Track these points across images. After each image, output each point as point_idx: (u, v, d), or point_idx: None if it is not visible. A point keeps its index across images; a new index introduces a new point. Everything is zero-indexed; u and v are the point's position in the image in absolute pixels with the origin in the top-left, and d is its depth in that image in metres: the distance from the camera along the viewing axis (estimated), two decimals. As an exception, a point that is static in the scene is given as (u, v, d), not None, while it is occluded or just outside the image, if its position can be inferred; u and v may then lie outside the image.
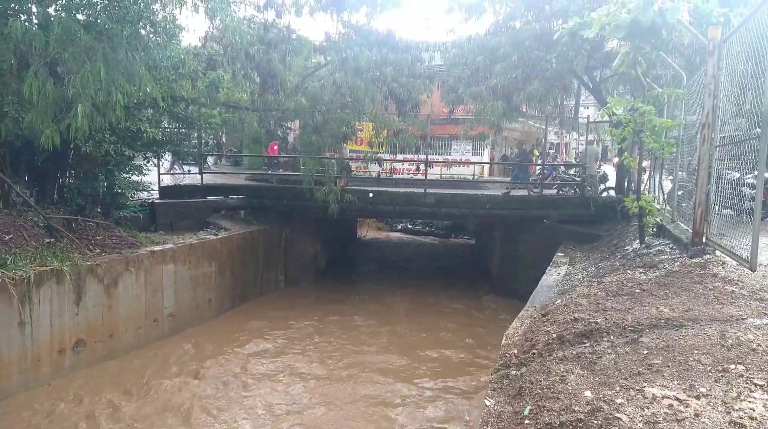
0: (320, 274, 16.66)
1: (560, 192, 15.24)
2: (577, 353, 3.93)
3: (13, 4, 8.79)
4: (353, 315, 12.69)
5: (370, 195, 14.53)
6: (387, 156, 20.06)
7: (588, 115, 20.79)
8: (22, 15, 8.78)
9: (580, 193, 14.04)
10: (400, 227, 26.86)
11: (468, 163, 27.53)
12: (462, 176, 24.01)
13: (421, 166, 19.37)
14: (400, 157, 21.12)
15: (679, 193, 8.23)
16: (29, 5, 8.98)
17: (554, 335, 4.60)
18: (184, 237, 11.43)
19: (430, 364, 9.89)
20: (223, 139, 24.68)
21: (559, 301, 6.10)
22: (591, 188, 14.07)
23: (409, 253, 21.94)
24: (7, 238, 8.16)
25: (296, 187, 14.66)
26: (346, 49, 13.85)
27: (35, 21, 8.83)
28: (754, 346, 3.36)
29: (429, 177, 16.51)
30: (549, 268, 9.34)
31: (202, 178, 14.56)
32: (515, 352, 4.78)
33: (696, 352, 3.42)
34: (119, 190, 11.04)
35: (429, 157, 17.37)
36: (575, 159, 27.74)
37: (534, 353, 4.43)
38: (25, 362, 7.70)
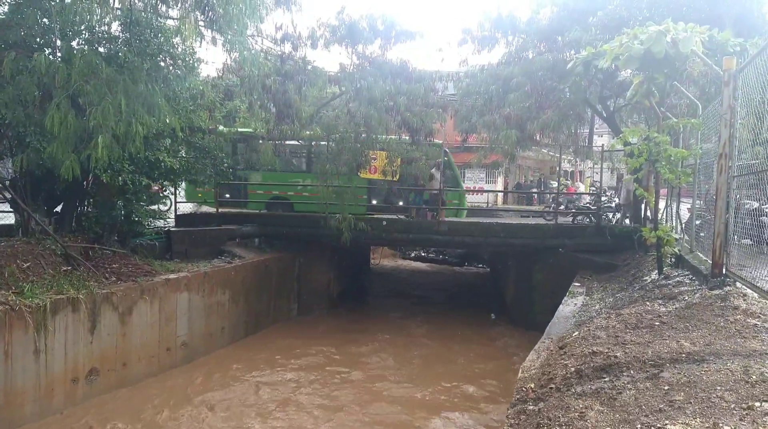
0: (333, 303, 16.59)
1: (575, 221, 15.12)
2: (596, 388, 3.84)
3: (38, 39, 9.09)
4: (366, 345, 12.56)
5: (384, 223, 14.55)
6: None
7: (602, 144, 20.73)
8: (46, 49, 9.08)
9: (596, 222, 13.92)
10: (413, 255, 26.73)
11: (482, 190, 27.50)
12: (476, 204, 23.97)
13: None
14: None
15: (697, 222, 8.12)
16: (53, 39, 9.29)
17: (572, 369, 4.50)
18: (198, 265, 11.49)
19: (445, 397, 9.71)
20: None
21: (576, 333, 5.99)
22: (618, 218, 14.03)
23: (423, 281, 21.79)
24: (25, 265, 8.27)
25: (310, 214, 14.71)
26: (360, 80, 14.05)
27: (59, 54, 9.12)
28: (780, 382, 3.26)
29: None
30: (565, 298, 9.20)
31: (217, 207, 14.72)
32: (532, 386, 4.68)
33: (719, 388, 3.32)
34: (136, 219, 11.18)
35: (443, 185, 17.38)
36: (590, 187, 27.57)
37: (552, 388, 4.34)
38: (39, 391, 7.70)
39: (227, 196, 16.53)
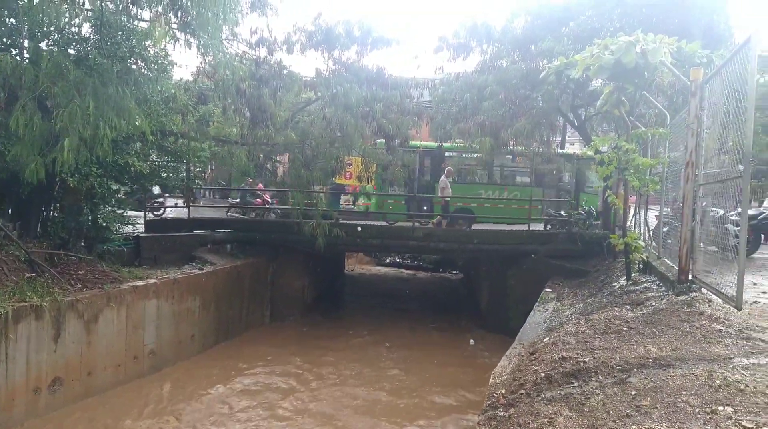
0: (307, 309, 16.44)
1: (547, 227, 15.32)
2: (565, 394, 3.87)
3: (5, 39, 8.85)
4: (339, 351, 12.47)
5: (359, 229, 14.51)
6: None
7: (574, 152, 21.07)
8: (13, 49, 8.84)
9: (568, 228, 14.12)
10: (388, 261, 26.73)
11: (449, 197, 27.56)
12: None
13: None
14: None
15: (665, 229, 8.29)
16: (21, 40, 9.05)
17: (542, 375, 4.53)
18: (168, 271, 11.26)
19: (418, 403, 9.69)
20: (211, 173, 24.67)
21: (547, 338, 6.04)
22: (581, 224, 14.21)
23: (397, 287, 21.78)
24: (-14, 272, 7.99)
25: (284, 220, 14.58)
26: (336, 86, 14.03)
27: (26, 55, 8.89)
28: (742, 386, 3.32)
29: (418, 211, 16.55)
30: (537, 304, 9.30)
31: (189, 212, 14.46)
32: (503, 392, 4.69)
33: (684, 393, 3.37)
34: (104, 224, 10.92)
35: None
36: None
37: (522, 393, 4.36)
38: (-1, 401, 7.43)
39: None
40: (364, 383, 10.55)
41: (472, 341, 13.24)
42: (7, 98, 8.82)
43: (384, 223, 15.64)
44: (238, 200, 17.80)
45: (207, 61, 11.74)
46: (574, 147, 26.32)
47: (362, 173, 16.44)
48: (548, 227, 15.24)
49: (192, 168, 14.44)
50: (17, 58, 8.58)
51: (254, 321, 14.03)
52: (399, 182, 16.26)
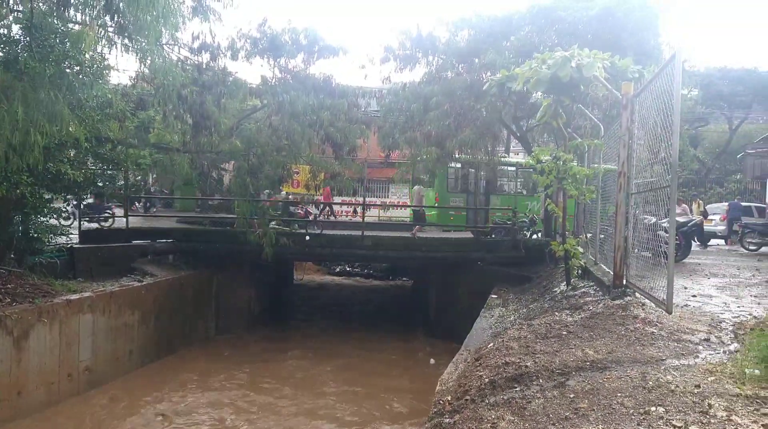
0: (254, 321, 16.11)
1: (493, 235, 15.67)
2: (507, 398, 3.94)
3: None
4: (287, 364, 12.27)
5: (307, 238, 14.38)
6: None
7: (517, 161, 21.71)
8: (-68, 50, 8.29)
9: (512, 236, 14.50)
10: (338, 270, 26.62)
11: (405, 205, 27.86)
12: (399, 219, 24.28)
13: (359, 209, 19.46)
14: (337, 199, 21.14)
15: (601, 236, 8.65)
16: (-59, 40, 8.51)
17: (486, 380, 4.60)
18: (104, 284, 10.78)
19: (367, 413, 9.65)
20: (151, 181, 23.85)
21: (491, 344, 6.16)
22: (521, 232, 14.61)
23: (347, 296, 21.70)
24: None
25: (229, 229, 14.26)
26: (282, 94, 13.91)
27: (-52, 56, 8.35)
28: (673, 387, 3.49)
29: (367, 220, 16.57)
30: (483, 310, 9.47)
31: (127, 221, 13.88)
32: (449, 398, 4.74)
33: (619, 394, 3.51)
34: (35, 235, 10.35)
35: (366, 200, 17.48)
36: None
37: (467, 399, 4.41)
38: None
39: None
40: (314, 394, 10.41)
41: (432, 360, 12.75)
42: (-74, 102, 8.24)
43: (335, 232, 15.54)
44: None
45: (146, 65, 11.39)
46: (518, 157, 27.12)
47: (309, 181, 16.36)
48: (493, 235, 15.60)
49: (131, 176, 13.91)
50: (-63, 59, 8.06)
51: (198, 335, 13.61)
52: (347, 191, 16.26)
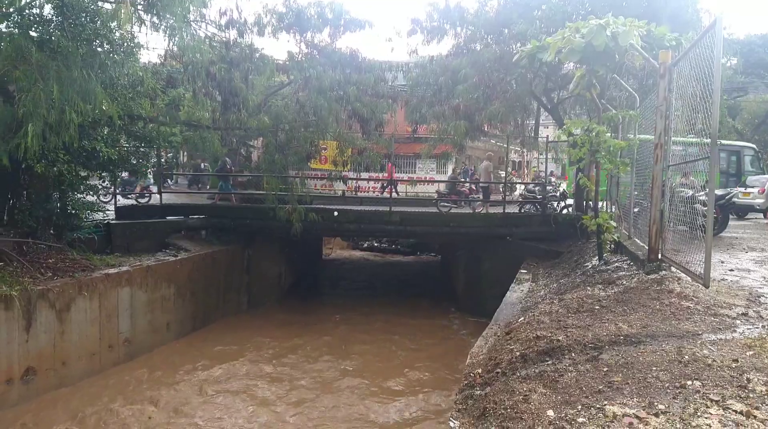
0: (284, 295, 16.41)
1: (522, 210, 15.50)
2: (539, 372, 3.94)
3: (-40, 20, 8.48)
4: (318, 336, 12.50)
5: (335, 214, 14.47)
6: (352, 174, 20.08)
7: (547, 135, 21.31)
8: (-30, 31, 8.48)
9: (542, 210, 14.31)
10: (365, 245, 26.79)
11: (432, 181, 27.77)
12: (427, 194, 24.20)
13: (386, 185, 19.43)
14: (365, 175, 21.15)
15: (635, 210, 8.46)
16: (-21, 22, 8.69)
17: (517, 354, 4.61)
18: (141, 259, 11.09)
19: (396, 385, 9.80)
20: (184, 159, 24.18)
21: (522, 318, 6.14)
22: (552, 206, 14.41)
23: (375, 271, 21.87)
24: (-50, 262, 7.76)
25: (259, 206, 14.45)
26: (309, 69, 13.88)
27: (-15, 38, 8.53)
28: (710, 361, 3.43)
29: (394, 195, 16.55)
30: (512, 285, 9.43)
31: (161, 198, 14.22)
32: (479, 371, 4.77)
33: (654, 368, 3.47)
34: (73, 211, 10.66)
35: (393, 175, 17.44)
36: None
37: (498, 372, 4.43)
38: (-31, 394, 7.28)
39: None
40: (345, 366, 10.61)
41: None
42: (-34, 83, 8.50)
43: (361, 208, 15.61)
44: None
45: (175, 43, 11.48)
46: (548, 130, 26.62)
47: (337, 158, 16.37)
48: (522, 210, 15.42)
49: (163, 153, 14.17)
50: (-25, 40, 8.25)
51: (231, 308, 13.94)
52: (375, 167, 16.22)
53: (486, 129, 15.61)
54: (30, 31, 8.84)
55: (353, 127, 16.04)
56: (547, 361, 4.13)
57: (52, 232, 10.28)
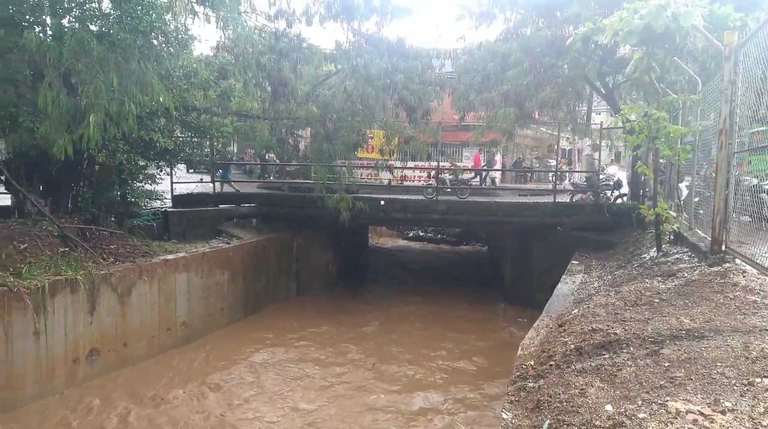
0: (333, 282, 16.63)
1: (573, 199, 15.09)
2: (596, 365, 3.85)
3: (27, 16, 8.91)
4: (365, 323, 12.62)
5: (382, 203, 14.51)
6: (398, 163, 20.05)
7: (601, 122, 20.63)
8: (36, 27, 8.91)
9: (594, 199, 13.89)
10: (411, 235, 26.78)
11: (479, 169, 27.38)
12: (474, 183, 23.89)
13: (432, 174, 19.30)
14: (411, 164, 21.08)
15: (696, 199, 8.09)
16: (43, 17, 9.11)
17: (572, 346, 4.51)
18: (196, 245, 11.46)
19: (444, 375, 9.79)
20: (234, 148, 24.67)
21: (575, 310, 6.00)
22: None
23: (421, 260, 21.85)
24: (22, 247, 8.23)
25: (307, 195, 14.66)
26: (356, 58, 13.89)
27: (49, 32, 8.95)
28: (780, 358, 3.26)
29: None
30: (564, 276, 9.21)
31: (214, 187, 14.64)
32: (532, 363, 4.69)
33: (719, 364, 3.32)
34: (132, 199, 11.11)
35: (440, 164, 17.29)
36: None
37: (551, 365, 4.35)
38: (40, 371, 7.73)
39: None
40: (392, 354, 10.68)
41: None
42: (33, 76, 8.94)
43: (407, 197, 15.57)
44: None
45: (226, 35, 11.71)
46: (600, 116, 25.73)
47: (384, 146, 16.37)
48: (574, 199, 15.01)
49: (215, 143, 14.54)
50: (40, 35, 8.65)
51: (281, 294, 14.24)
52: (422, 155, 16.11)
53: (536, 116, 15.23)
54: (90, 25, 9.23)
55: (400, 116, 15.98)
56: (604, 354, 4.03)
57: (113, 219, 10.76)
